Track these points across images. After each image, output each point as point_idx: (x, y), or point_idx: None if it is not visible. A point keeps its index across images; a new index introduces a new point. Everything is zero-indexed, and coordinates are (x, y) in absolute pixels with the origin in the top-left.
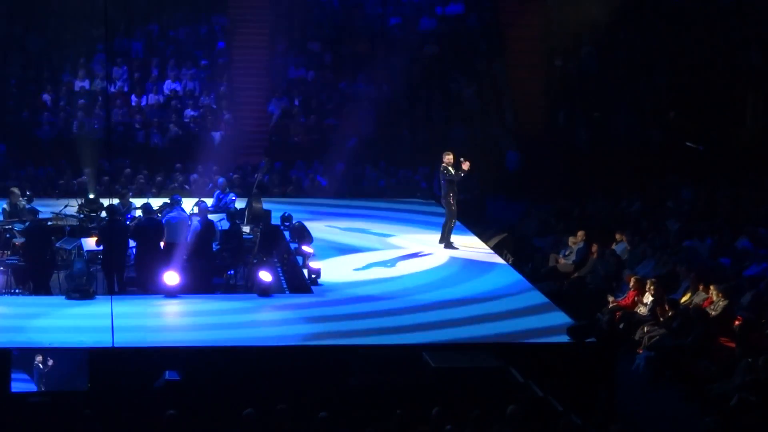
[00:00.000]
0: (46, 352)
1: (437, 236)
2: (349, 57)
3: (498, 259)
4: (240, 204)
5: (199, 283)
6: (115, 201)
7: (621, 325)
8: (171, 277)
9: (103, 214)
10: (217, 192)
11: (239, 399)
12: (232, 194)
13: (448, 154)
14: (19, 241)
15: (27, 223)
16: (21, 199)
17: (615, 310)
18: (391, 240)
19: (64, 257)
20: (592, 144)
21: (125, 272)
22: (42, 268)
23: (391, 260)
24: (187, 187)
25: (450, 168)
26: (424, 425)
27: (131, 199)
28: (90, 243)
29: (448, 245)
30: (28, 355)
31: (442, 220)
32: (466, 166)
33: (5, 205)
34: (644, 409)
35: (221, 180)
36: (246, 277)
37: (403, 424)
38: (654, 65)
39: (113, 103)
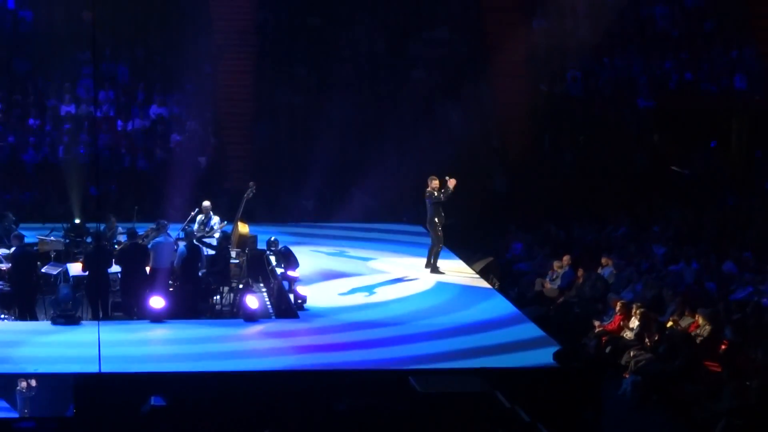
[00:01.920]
0: (31, 378)
1: (424, 261)
2: (336, 81)
3: (484, 284)
4: (225, 228)
5: (185, 308)
6: (101, 226)
7: (607, 350)
8: (157, 302)
9: (89, 239)
10: (201, 216)
11: (225, 424)
12: (216, 217)
13: (434, 179)
14: (4, 266)
15: (13, 248)
16: (13, 224)
17: (601, 334)
18: (377, 264)
19: (50, 282)
20: (578, 168)
21: (111, 297)
22: (27, 294)
23: (378, 285)
24: (173, 211)
25: (435, 192)
26: None
27: (116, 224)
28: (76, 268)
29: (435, 270)
30: (13, 381)
31: (428, 244)
32: (451, 183)
33: None
34: None
35: (206, 204)
36: (232, 302)
37: None
38: (639, 89)
39: (99, 128)
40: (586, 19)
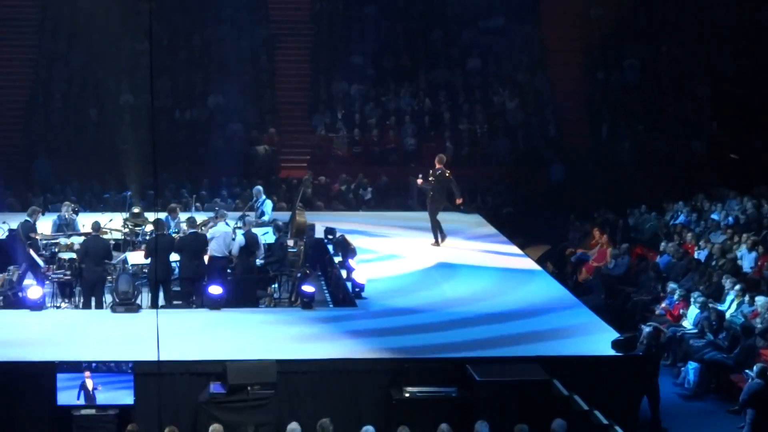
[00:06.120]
0: (92, 365)
1: (481, 246)
2: (392, 70)
3: (542, 271)
4: (284, 217)
5: (243, 297)
6: (165, 216)
7: (666, 338)
8: (215, 291)
9: (150, 228)
10: (254, 200)
11: (283, 412)
12: (267, 200)
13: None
14: (65, 255)
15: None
16: (74, 214)
17: (660, 322)
18: (435, 253)
19: (109, 271)
20: (636, 156)
21: (170, 285)
22: (96, 282)
23: (436, 273)
24: (231, 200)
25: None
26: None
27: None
28: (135, 257)
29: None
30: (75, 368)
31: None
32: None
33: (57, 219)
34: (690, 422)
35: (257, 188)
36: (290, 290)
37: None
38: (696, 77)
39: (157, 118)
40: (642, 6)
